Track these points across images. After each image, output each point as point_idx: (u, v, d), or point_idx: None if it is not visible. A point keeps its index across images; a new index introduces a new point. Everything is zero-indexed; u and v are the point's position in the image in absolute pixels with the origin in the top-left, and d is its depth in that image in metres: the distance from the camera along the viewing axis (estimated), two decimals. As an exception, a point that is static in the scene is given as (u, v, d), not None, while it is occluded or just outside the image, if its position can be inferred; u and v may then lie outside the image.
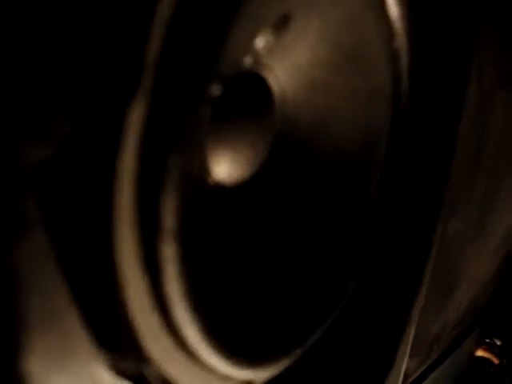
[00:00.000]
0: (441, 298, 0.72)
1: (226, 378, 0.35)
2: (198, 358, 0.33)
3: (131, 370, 0.31)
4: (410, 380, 0.70)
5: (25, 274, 0.28)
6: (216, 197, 0.35)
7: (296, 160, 0.40)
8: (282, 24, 0.36)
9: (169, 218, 0.29)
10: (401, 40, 0.41)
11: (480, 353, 0.96)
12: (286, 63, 0.38)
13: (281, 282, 0.37)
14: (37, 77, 0.26)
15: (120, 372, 0.31)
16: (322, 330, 0.39)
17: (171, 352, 0.32)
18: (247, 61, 0.37)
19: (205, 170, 0.34)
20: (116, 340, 0.30)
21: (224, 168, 0.37)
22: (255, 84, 0.38)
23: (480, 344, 0.95)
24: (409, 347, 0.48)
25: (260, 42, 0.36)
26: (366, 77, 0.40)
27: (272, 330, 0.37)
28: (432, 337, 0.74)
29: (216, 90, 0.33)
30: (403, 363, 0.48)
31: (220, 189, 0.36)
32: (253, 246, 0.37)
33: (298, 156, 0.40)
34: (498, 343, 0.98)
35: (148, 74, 0.28)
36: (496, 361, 0.97)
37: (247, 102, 0.38)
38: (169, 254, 0.29)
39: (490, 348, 0.96)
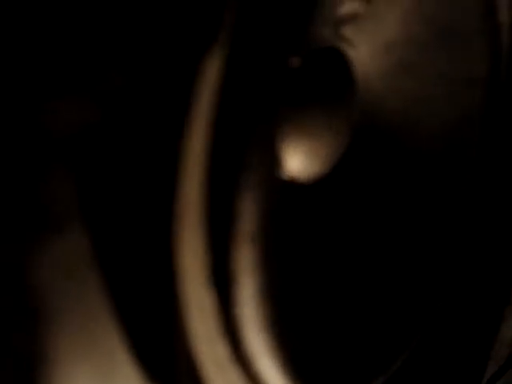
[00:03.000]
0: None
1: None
2: None
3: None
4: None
5: (49, 283, 0.21)
6: (291, 195, 0.28)
7: (380, 154, 0.33)
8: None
9: (246, 217, 0.22)
10: (503, 14, 0.34)
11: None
12: (373, 38, 0.32)
13: (368, 298, 0.30)
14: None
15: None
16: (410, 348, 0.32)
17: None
18: (326, 33, 0.30)
19: (278, 163, 0.28)
20: (172, 373, 0.24)
21: (298, 161, 0.30)
22: (334, 62, 0.32)
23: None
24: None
25: (345, 9, 0.30)
26: (461, 57, 0.34)
27: (356, 357, 0.30)
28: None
29: (295, 62, 0.27)
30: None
31: (295, 186, 0.29)
32: (337, 255, 0.30)
33: (381, 150, 0.33)
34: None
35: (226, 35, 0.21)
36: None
37: (323, 83, 0.32)
38: (246, 262, 0.23)
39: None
